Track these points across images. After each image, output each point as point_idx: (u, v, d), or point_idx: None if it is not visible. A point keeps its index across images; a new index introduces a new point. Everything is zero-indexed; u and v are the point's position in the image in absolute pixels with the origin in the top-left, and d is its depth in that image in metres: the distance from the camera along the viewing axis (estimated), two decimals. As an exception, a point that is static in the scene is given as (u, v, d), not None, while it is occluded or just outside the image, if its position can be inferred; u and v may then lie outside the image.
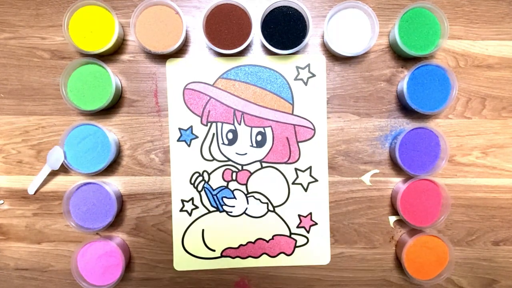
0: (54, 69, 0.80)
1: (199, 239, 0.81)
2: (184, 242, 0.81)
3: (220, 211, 0.81)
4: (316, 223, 0.82)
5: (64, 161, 0.77)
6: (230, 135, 0.80)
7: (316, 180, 0.81)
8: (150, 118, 0.81)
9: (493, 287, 0.83)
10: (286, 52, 0.76)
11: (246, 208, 0.81)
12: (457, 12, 0.82)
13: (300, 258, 0.82)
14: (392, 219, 0.82)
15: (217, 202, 0.81)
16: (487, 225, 0.83)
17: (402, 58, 0.81)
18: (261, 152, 0.81)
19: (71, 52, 0.81)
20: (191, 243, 0.81)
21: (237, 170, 0.81)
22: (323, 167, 0.81)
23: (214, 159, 0.81)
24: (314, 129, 0.81)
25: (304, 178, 0.81)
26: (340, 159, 0.82)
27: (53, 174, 0.81)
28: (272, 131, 0.80)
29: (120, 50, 0.81)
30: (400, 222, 0.82)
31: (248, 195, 0.81)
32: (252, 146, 0.81)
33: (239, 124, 0.80)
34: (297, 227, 0.82)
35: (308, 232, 0.82)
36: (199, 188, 0.81)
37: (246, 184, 0.81)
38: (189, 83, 0.81)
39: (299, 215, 0.81)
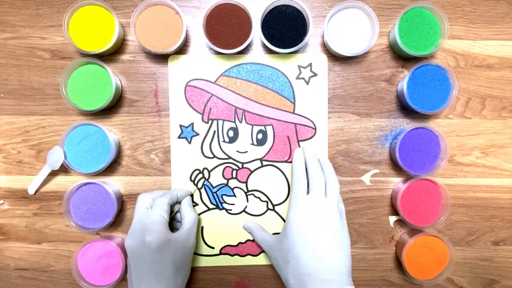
0: (54, 69, 0.81)
1: (199, 236, 0.81)
2: (183, 241, 0.81)
3: (220, 209, 0.81)
4: (316, 223, 0.81)
5: (64, 161, 0.77)
6: (231, 133, 0.81)
7: (316, 180, 0.81)
8: (150, 118, 0.81)
9: (493, 287, 0.83)
10: (287, 50, 0.76)
11: (246, 206, 0.81)
12: (457, 12, 0.82)
13: (300, 258, 0.82)
14: (392, 219, 0.82)
15: (217, 200, 0.81)
16: (487, 225, 0.83)
17: (402, 58, 0.81)
18: (261, 151, 0.81)
19: (71, 52, 0.81)
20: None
21: (237, 168, 0.81)
22: (323, 167, 0.81)
23: (214, 156, 0.81)
24: (315, 128, 0.81)
25: (304, 177, 0.81)
26: (340, 159, 0.82)
27: (53, 174, 0.81)
28: (273, 130, 0.81)
29: (120, 50, 0.81)
30: (400, 222, 0.82)
31: (248, 193, 0.81)
32: (252, 144, 0.81)
33: (240, 122, 0.80)
34: (297, 226, 0.82)
35: (308, 232, 0.82)
36: (199, 185, 0.81)
37: (246, 182, 0.81)
38: (190, 80, 0.81)
39: (299, 215, 0.81)
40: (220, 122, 0.81)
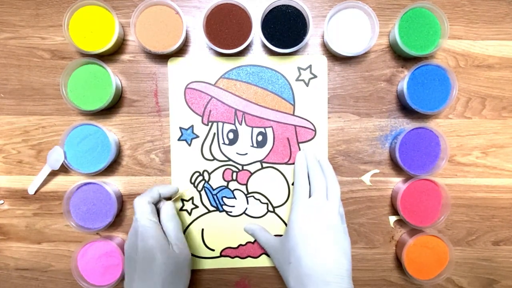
0: (54, 69, 0.80)
1: (199, 238, 0.81)
2: (184, 242, 0.81)
3: (220, 211, 0.81)
4: (316, 223, 0.82)
5: (64, 161, 0.77)
6: (231, 135, 0.80)
7: (316, 180, 0.81)
8: (150, 118, 0.81)
9: (493, 287, 0.83)
10: (287, 50, 0.76)
11: (246, 208, 0.81)
12: (457, 12, 0.82)
13: (300, 258, 0.82)
14: (392, 219, 0.82)
15: (217, 202, 0.81)
16: (487, 225, 0.83)
17: (402, 58, 0.81)
18: (261, 153, 0.81)
19: (71, 52, 0.81)
20: (190, 242, 0.81)
21: (237, 170, 0.81)
22: (323, 168, 0.81)
23: (214, 158, 0.81)
24: (315, 130, 0.81)
25: (304, 178, 0.81)
26: (340, 159, 0.82)
27: (53, 174, 0.81)
28: (273, 132, 0.81)
29: (120, 50, 0.81)
30: (400, 222, 0.82)
31: (248, 195, 0.81)
32: (252, 146, 0.81)
33: (240, 124, 0.80)
34: (297, 227, 0.82)
35: (308, 232, 0.82)
36: (199, 187, 0.81)
37: (246, 184, 0.81)
38: (190, 83, 0.80)
39: (299, 215, 0.81)
40: (220, 124, 0.80)
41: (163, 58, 0.81)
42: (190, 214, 0.81)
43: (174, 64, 0.80)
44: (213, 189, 0.81)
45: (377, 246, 0.83)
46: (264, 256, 0.82)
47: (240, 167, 0.81)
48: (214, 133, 0.80)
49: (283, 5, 0.77)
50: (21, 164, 0.81)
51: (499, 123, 0.82)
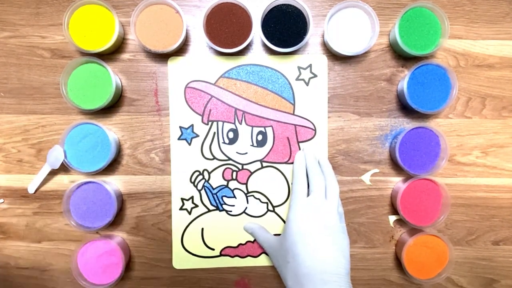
0: (54, 68, 0.80)
1: (199, 237, 0.81)
2: (183, 241, 0.81)
3: (220, 210, 0.81)
4: (316, 223, 0.82)
5: (64, 160, 0.77)
6: (231, 134, 0.80)
7: (316, 180, 0.81)
8: (150, 117, 0.81)
9: (492, 286, 0.83)
10: (287, 50, 0.76)
11: (246, 208, 0.81)
12: (458, 12, 0.82)
13: (300, 257, 0.82)
14: (392, 218, 0.82)
15: (217, 201, 0.81)
16: (487, 224, 0.83)
17: (403, 58, 0.81)
18: (261, 152, 0.81)
19: (71, 51, 0.81)
20: (190, 242, 0.81)
21: (237, 170, 0.81)
22: (323, 167, 0.81)
23: (214, 158, 0.81)
24: (315, 130, 0.81)
25: (304, 178, 0.81)
26: (340, 158, 0.82)
27: (53, 173, 0.81)
28: (273, 131, 0.80)
29: (120, 49, 0.81)
30: (400, 222, 0.82)
31: (248, 195, 0.81)
32: (252, 145, 0.81)
33: (240, 124, 0.80)
34: (297, 226, 0.82)
35: (308, 231, 0.82)
36: (199, 186, 0.81)
37: (246, 184, 0.81)
38: (190, 82, 0.80)
39: (299, 215, 0.81)
40: (220, 123, 0.80)
41: (163, 57, 0.81)
42: (190, 213, 0.81)
43: (174, 63, 0.80)
44: (213, 188, 0.81)
45: (377, 245, 0.83)
46: (264, 255, 0.82)
47: (240, 167, 0.81)
48: (214, 132, 0.80)
49: (283, 4, 0.76)
50: (21, 163, 0.81)
51: (499, 122, 0.82)
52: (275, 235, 0.81)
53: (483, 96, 0.82)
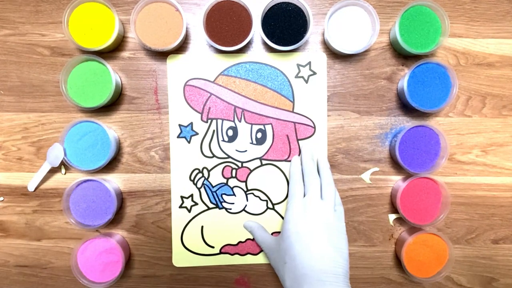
0: (54, 66, 0.80)
1: (198, 235, 0.81)
2: (183, 238, 0.81)
3: (220, 208, 0.81)
4: (315, 221, 0.81)
5: (64, 158, 0.77)
6: (230, 132, 0.80)
7: (316, 178, 0.81)
8: (150, 115, 0.81)
9: (492, 285, 0.83)
10: (287, 48, 0.76)
11: (246, 205, 0.81)
12: (458, 10, 0.82)
13: (300, 255, 0.82)
14: (392, 217, 0.82)
15: (217, 199, 0.81)
16: (486, 223, 0.83)
17: (403, 56, 0.81)
18: (261, 150, 0.81)
19: (71, 49, 0.81)
20: (190, 240, 0.81)
21: (237, 167, 0.81)
22: (323, 165, 0.81)
23: (214, 156, 0.81)
24: (314, 127, 0.81)
25: (304, 176, 0.81)
26: (340, 157, 0.82)
27: (53, 171, 0.81)
28: (272, 129, 0.80)
29: (120, 47, 0.81)
30: (400, 220, 0.82)
31: (247, 192, 0.81)
32: (252, 143, 0.81)
33: (239, 121, 0.80)
34: (297, 224, 0.82)
35: (307, 230, 0.82)
36: (199, 184, 0.81)
37: (245, 181, 0.81)
38: (189, 80, 0.80)
39: (298, 213, 0.81)
40: (219, 121, 0.80)
41: (163, 55, 0.80)
42: (189, 211, 0.81)
43: (173, 61, 0.80)
44: (213, 186, 0.81)
45: (377, 244, 0.83)
46: (263, 253, 0.82)
47: (239, 164, 0.81)
48: (214, 130, 0.80)
49: (283, 3, 0.76)
50: (21, 161, 0.81)
51: (499, 121, 0.82)
52: (274, 232, 0.81)
53: (483, 94, 0.82)
